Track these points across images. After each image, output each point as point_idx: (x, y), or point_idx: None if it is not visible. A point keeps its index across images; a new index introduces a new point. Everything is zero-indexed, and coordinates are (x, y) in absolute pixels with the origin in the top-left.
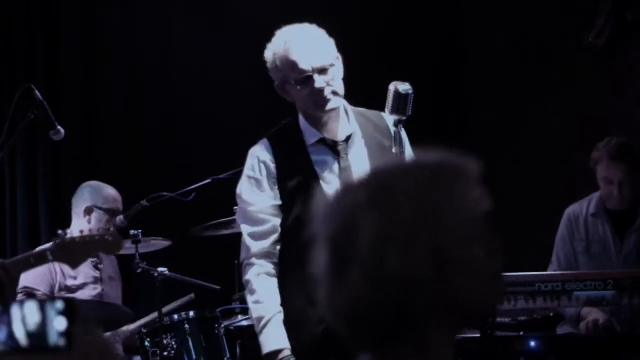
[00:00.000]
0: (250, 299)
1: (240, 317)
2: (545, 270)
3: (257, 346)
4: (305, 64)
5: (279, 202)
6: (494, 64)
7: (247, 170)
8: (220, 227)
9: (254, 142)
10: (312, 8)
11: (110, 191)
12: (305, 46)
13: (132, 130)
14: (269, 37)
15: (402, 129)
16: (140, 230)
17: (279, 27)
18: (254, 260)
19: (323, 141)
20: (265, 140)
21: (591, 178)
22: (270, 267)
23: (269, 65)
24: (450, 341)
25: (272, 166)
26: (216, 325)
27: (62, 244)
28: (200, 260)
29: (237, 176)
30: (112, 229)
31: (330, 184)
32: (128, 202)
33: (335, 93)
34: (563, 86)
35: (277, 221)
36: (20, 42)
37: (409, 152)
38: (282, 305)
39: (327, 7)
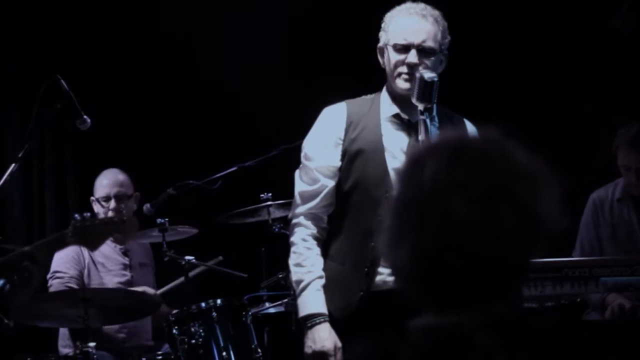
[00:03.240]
0: (292, 260)
1: (267, 304)
2: (569, 256)
3: (285, 333)
4: (410, 35)
5: (338, 164)
6: (515, 46)
7: (315, 126)
8: (246, 214)
9: (279, 130)
10: None
11: (103, 180)
12: (420, 21)
13: (159, 117)
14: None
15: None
16: (167, 219)
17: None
18: (301, 219)
19: (398, 116)
20: (342, 103)
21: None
22: (315, 230)
23: (383, 24)
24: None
25: (342, 127)
26: (243, 313)
27: (79, 227)
28: (227, 248)
29: (263, 164)
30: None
31: (396, 158)
32: (155, 191)
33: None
34: (590, 70)
35: (330, 183)
36: (48, 32)
37: None
38: (324, 269)
39: None
